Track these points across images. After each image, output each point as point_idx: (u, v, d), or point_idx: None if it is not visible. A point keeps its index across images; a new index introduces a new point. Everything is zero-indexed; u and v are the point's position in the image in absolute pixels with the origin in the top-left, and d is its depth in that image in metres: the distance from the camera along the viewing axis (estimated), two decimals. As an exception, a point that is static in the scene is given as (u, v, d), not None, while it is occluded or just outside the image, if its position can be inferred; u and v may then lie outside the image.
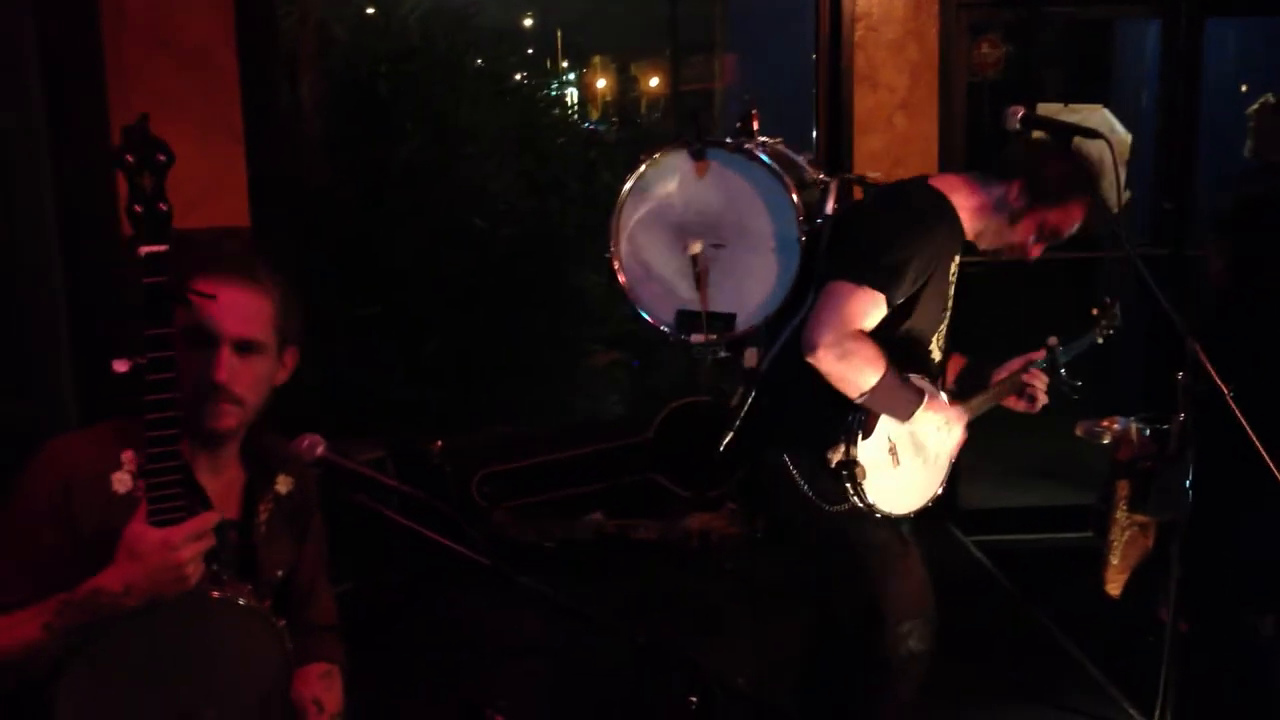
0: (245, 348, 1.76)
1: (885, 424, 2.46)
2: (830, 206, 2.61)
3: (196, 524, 1.59)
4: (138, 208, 1.52)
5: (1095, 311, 3.00)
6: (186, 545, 1.57)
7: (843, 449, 2.42)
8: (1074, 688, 3.51)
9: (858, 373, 2.34)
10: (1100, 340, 2.99)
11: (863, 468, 2.42)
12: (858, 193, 3.17)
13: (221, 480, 1.82)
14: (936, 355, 2.62)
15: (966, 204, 2.56)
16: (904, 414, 2.43)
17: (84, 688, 1.57)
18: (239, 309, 1.76)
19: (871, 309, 2.38)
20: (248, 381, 1.76)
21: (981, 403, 2.72)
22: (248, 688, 1.71)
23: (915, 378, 2.48)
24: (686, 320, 2.70)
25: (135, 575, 1.56)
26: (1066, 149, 2.51)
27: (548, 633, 3.74)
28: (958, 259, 2.58)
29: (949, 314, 2.61)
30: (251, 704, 1.72)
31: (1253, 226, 3.81)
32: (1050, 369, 2.82)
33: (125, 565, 1.57)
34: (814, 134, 4.80)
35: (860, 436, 2.42)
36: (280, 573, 1.90)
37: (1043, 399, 2.78)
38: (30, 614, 1.59)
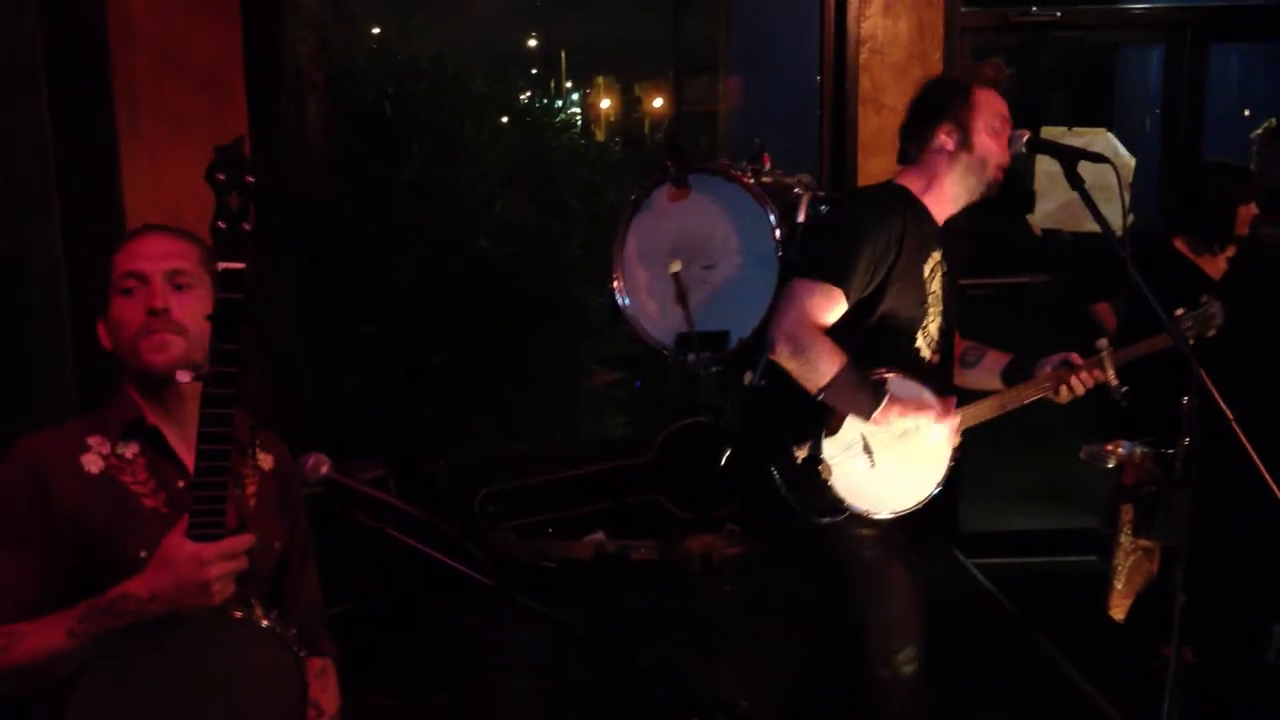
0: (176, 278, 1.80)
1: (857, 423, 2.45)
2: (802, 216, 2.64)
3: (230, 544, 1.62)
4: (221, 224, 1.56)
5: (1180, 312, 2.76)
6: (217, 563, 1.59)
7: (808, 445, 2.44)
8: (1077, 713, 3.49)
9: (813, 368, 2.37)
10: (1191, 342, 2.72)
11: (828, 465, 2.42)
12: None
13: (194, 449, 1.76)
14: (927, 354, 2.60)
15: (926, 187, 2.59)
16: (863, 412, 2.42)
17: (95, 705, 1.56)
18: (163, 249, 1.82)
19: (828, 303, 2.41)
20: (185, 310, 1.79)
21: (991, 407, 2.66)
22: (261, 712, 1.69)
23: (896, 378, 2.47)
24: (684, 341, 2.74)
25: (163, 584, 1.58)
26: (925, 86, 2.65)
27: (547, 652, 3.73)
28: (937, 255, 2.58)
29: (936, 311, 2.59)
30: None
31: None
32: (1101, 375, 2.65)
33: (156, 573, 1.59)
34: (819, 155, 4.81)
35: (825, 433, 2.43)
36: (277, 545, 1.91)
37: (1074, 390, 2.63)
38: (53, 620, 1.60)
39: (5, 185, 3.89)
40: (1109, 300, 3.93)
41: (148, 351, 1.77)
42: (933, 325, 2.60)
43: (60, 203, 3.83)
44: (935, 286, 2.59)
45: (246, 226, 1.57)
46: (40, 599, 1.65)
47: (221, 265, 1.57)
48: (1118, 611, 3.61)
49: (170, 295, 1.78)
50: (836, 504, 2.45)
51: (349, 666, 2.10)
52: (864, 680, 2.58)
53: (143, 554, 1.65)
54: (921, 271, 2.54)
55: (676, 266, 2.71)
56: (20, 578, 1.67)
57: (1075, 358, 2.66)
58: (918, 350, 2.57)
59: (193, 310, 1.79)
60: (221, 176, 1.56)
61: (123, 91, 3.94)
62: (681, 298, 2.70)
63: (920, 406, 2.49)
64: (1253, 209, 3.62)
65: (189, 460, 1.78)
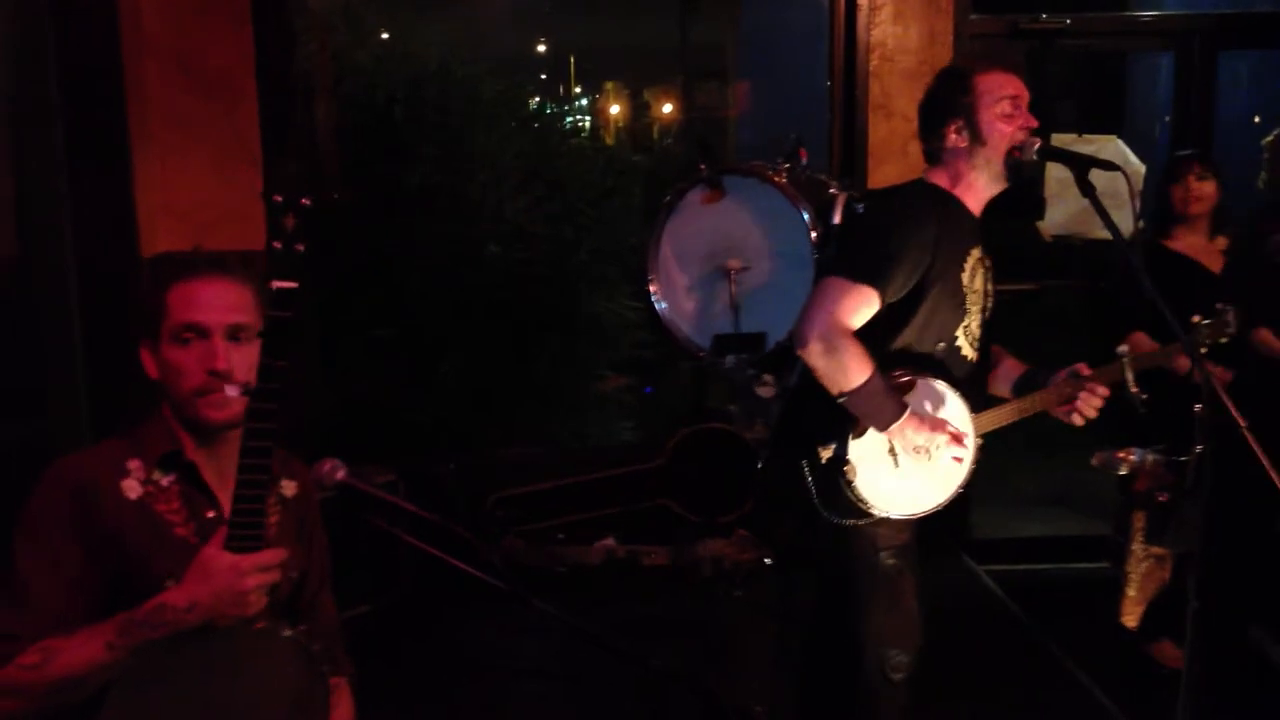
0: (236, 334, 1.80)
1: None
2: (837, 217, 2.64)
3: (267, 556, 1.65)
4: (276, 244, 1.59)
5: (1197, 319, 2.76)
6: (253, 574, 1.62)
7: (834, 446, 2.45)
8: (1086, 719, 3.48)
9: (842, 372, 2.36)
10: (1204, 350, 2.71)
11: (853, 466, 2.43)
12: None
13: (227, 483, 1.79)
14: (969, 353, 2.58)
15: (954, 183, 2.56)
16: (881, 423, 2.41)
17: (125, 716, 1.58)
18: (222, 298, 1.80)
19: (862, 304, 2.40)
20: (246, 366, 1.77)
21: (1008, 414, 2.64)
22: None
23: (925, 384, 2.47)
24: (722, 343, 2.75)
25: (201, 594, 1.60)
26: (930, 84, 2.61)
27: (559, 657, 3.73)
28: (975, 253, 2.56)
29: (977, 310, 2.58)
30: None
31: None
32: (1120, 381, 2.63)
33: (194, 584, 1.61)
34: (829, 162, 4.81)
35: (852, 435, 2.44)
36: (294, 575, 1.92)
37: (1087, 414, 2.61)
38: (90, 633, 1.62)
39: (17, 189, 3.92)
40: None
41: (206, 409, 1.78)
42: (974, 323, 2.58)
43: (71, 206, 3.86)
44: (977, 284, 2.57)
45: (300, 247, 1.59)
46: (74, 617, 1.66)
47: (275, 284, 1.59)
48: (1130, 619, 3.61)
49: (232, 352, 1.78)
50: (859, 504, 2.46)
51: (358, 669, 2.10)
52: (855, 682, 2.60)
53: (169, 582, 1.66)
54: (960, 270, 2.52)
55: (735, 264, 2.71)
56: (57, 595, 1.69)
57: (1083, 368, 2.64)
58: (959, 349, 2.56)
59: (251, 363, 1.76)
60: (278, 199, 1.59)
61: (134, 96, 3.96)
62: (733, 295, 2.71)
63: (936, 426, 2.48)
64: None
65: (221, 494, 1.81)
